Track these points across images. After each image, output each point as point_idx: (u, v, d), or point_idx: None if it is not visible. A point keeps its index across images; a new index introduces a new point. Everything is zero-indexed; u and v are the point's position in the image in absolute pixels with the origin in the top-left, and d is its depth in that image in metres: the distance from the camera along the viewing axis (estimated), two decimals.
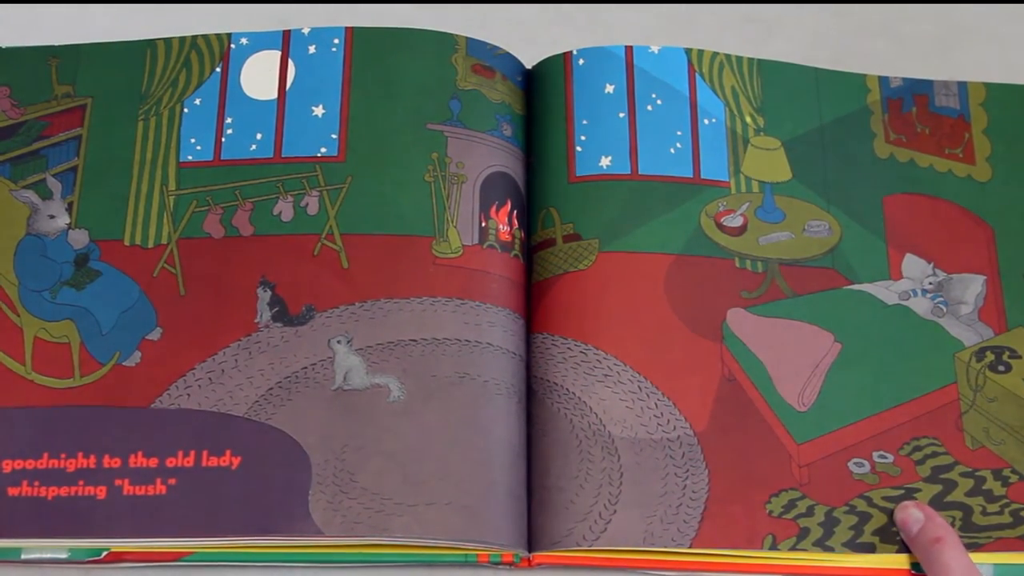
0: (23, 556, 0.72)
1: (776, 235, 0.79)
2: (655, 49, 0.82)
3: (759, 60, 0.83)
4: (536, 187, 0.80)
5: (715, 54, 0.82)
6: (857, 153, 0.82)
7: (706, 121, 0.81)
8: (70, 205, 0.78)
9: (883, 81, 0.84)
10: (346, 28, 0.81)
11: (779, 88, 0.83)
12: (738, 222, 0.79)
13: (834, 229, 0.79)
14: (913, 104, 0.83)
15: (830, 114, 0.82)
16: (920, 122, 0.83)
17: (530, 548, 0.71)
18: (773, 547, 0.71)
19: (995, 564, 0.73)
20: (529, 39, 0.87)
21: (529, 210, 0.80)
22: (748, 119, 0.81)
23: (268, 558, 0.72)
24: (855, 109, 0.83)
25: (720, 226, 0.79)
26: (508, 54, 0.82)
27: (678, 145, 0.80)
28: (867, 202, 0.80)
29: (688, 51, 0.82)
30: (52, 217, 0.77)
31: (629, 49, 0.81)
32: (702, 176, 0.80)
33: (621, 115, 0.80)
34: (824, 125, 0.82)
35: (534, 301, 0.77)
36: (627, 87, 0.80)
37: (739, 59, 0.83)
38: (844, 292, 0.78)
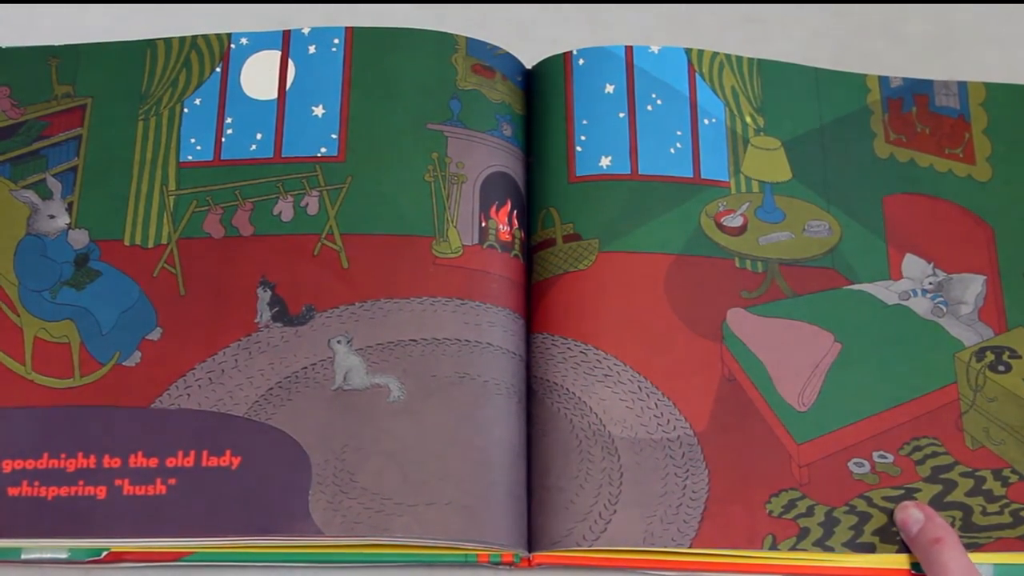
0: (23, 556, 0.71)
1: (776, 235, 0.79)
2: (655, 49, 0.82)
3: (759, 60, 0.83)
4: (536, 187, 0.80)
5: (715, 54, 0.82)
6: (857, 153, 0.82)
7: (706, 121, 0.81)
8: (70, 205, 0.77)
9: (883, 81, 0.84)
10: (346, 28, 0.81)
11: (779, 88, 0.83)
12: (738, 222, 0.79)
13: (834, 229, 0.79)
14: (913, 104, 0.83)
15: (830, 114, 0.82)
16: (920, 122, 0.83)
17: (530, 548, 0.71)
18: (773, 547, 0.71)
19: (995, 564, 0.73)
20: (529, 39, 0.87)
21: (529, 210, 0.79)
22: (748, 119, 0.81)
23: (268, 558, 0.71)
24: (855, 109, 0.83)
25: (720, 226, 0.79)
26: (508, 54, 0.82)
27: (678, 145, 0.80)
28: (867, 202, 0.80)
29: (688, 51, 0.82)
30: (52, 217, 0.77)
31: (629, 49, 0.81)
32: (702, 176, 0.79)
33: (621, 115, 0.80)
34: (824, 125, 0.82)
35: (534, 301, 0.77)
36: (627, 87, 0.80)
37: (739, 59, 0.83)
38: (844, 292, 0.78)
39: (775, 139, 0.81)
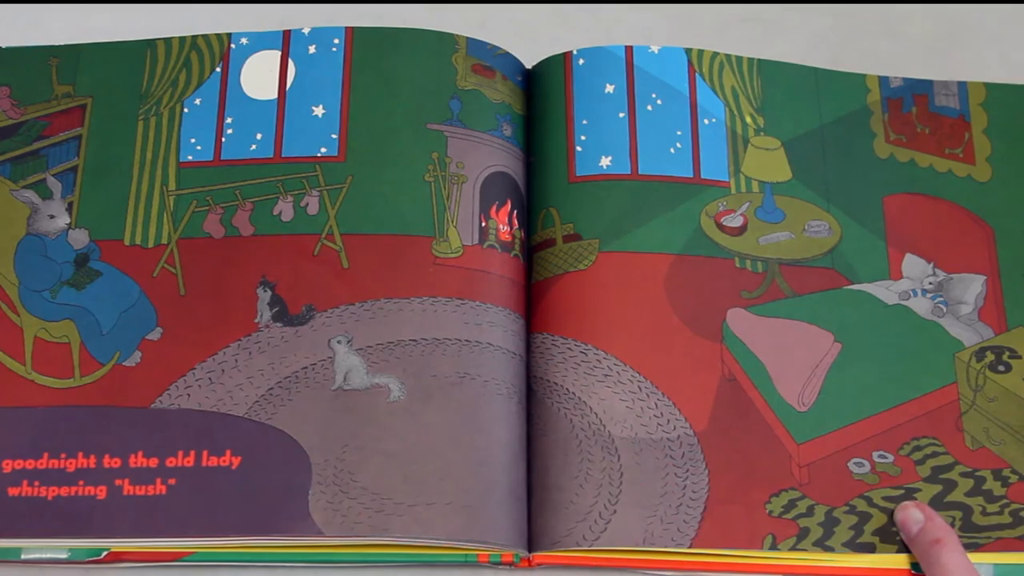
0: (23, 556, 0.71)
1: (776, 235, 0.79)
2: (655, 49, 0.82)
3: (759, 60, 0.83)
4: (536, 187, 0.79)
5: (715, 54, 0.82)
6: (857, 153, 0.81)
7: (706, 121, 0.81)
8: (70, 205, 0.77)
9: (883, 81, 0.84)
10: (346, 28, 0.81)
11: (779, 88, 0.82)
12: (738, 222, 0.79)
13: (834, 229, 0.79)
14: (913, 104, 0.83)
15: (830, 114, 0.82)
16: (920, 122, 0.83)
17: (530, 548, 0.71)
18: (773, 547, 0.71)
19: (995, 564, 0.72)
20: (529, 39, 0.86)
21: (529, 210, 0.79)
22: (748, 119, 0.81)
23: (268, 558, 0.71)
24: (855, 109, 0.83)
25: (720, 226, 0.78)
26: (508, 54, 0.82)
27: (678, 145, 0.80)
28: (867, 202, 0.80)
29: (688, 51, 0.82)
30: (52, 217, 0.77)
31: (629, 49, 0.81)
32: (702, 176, 0.79)
33: (621, 115, 0.80)
34: (824, 125, 0.82)
35: (534, 301, 0.77)
36: (627, 87, 0.80)
37: (739, 59, 0.83)
38: (844, 292, 0.78)
39: (775, 139, 0.81)
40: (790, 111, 0.82)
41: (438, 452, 0.70)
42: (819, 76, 0.83)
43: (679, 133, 0.80)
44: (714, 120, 0.81)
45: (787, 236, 0.79)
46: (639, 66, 0.81)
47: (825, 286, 0.78)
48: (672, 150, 0.79)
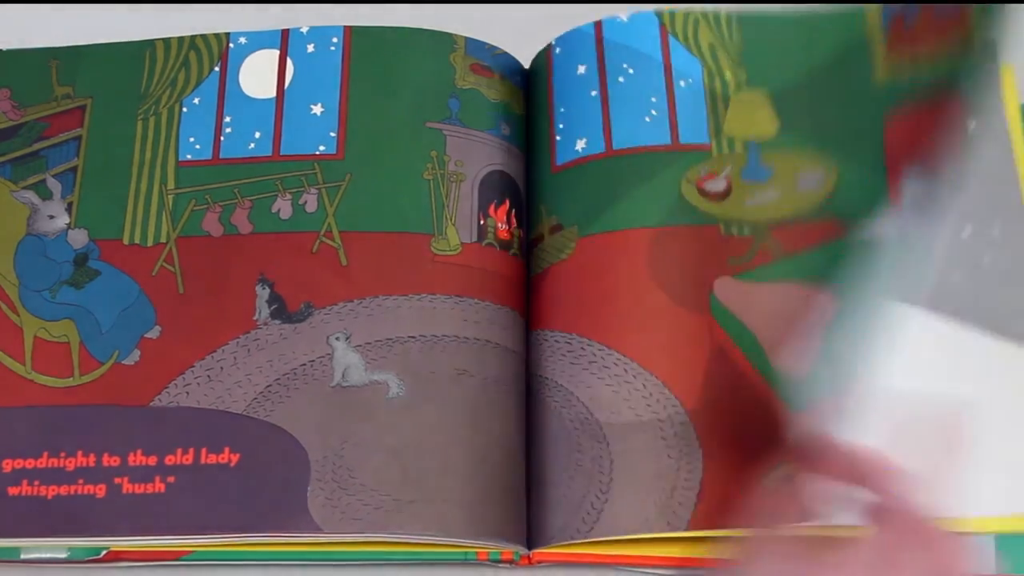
0: (23, 556, 0.64)
1: (763, 195, 0.67)
2: (624, 18, 0.71)
3: (739, 15, 0.71)
4: (529, 184, 0.71)
5: (688, 13, 0.71)
6: (853, 87, 0.68)
7: (682, 83, 0.70)
8: (70, 205, 0.69)
9: (885, 9, 0.70)
10: (344, 27, 0.72)
11: (762, 38, 0.70)
12: (721, 186, 0.67)
13: (827, 176, 0.67)
14: (918, 14, 0.68)
15: (822, 55, 0.69)
16: (925, 30, 0.68)
17: (529, 546, 0.63)
18: None
19: (997, 534, 0.61)
20: (529, 39, 0.77)
21: (528, 208, 0.71)
22: (728, 74, 0.70)
23: (267, 556, 0.63)
24: (851, 44, 0.69)
25: (702, 191, 0.67)
26: (506, 54, 0.73)
27: (653, 112, 0.69)
28: (865, 133, 0.67)
29: (659, 14, 0.71)
30: (52, 217, 0.69)
31: (598, 24, 0.71)
32: (680, 141, 0.68)
33: (593, 93, 0.70)
34: (814, 67, 0.69)
35: (531, 298, 0.68)
36: (597, 64, 0.70)
37: (716, 15, 0.71)
38: (840, 244, 0.64)
39: (759, 91, 0.69)
40: (776, 60, 0.70)
41: (437, 449, 0.62)
42: (808, 18, 0.70)
43: (654, 100, 0.69)
44: (690, 81, 0.70)
45: (775, 194, 0.67)
46: (608, 39, 0.70)
47: (819, 239, 0.65)
48: (648, 119, 0.69)
